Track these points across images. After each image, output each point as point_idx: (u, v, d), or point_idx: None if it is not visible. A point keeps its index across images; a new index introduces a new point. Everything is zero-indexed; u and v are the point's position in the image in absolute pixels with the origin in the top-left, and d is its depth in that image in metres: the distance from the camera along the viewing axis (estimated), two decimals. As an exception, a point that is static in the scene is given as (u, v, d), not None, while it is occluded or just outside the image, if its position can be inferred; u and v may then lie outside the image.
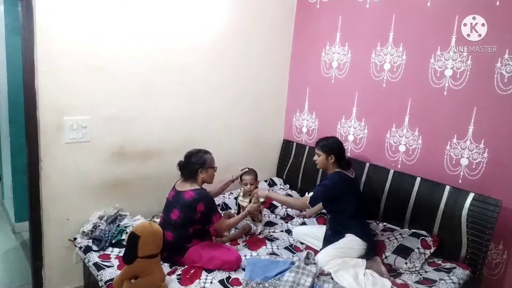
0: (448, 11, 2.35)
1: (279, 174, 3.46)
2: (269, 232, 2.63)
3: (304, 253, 2.20)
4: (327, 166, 2.39)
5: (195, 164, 2.23)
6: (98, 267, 2.06)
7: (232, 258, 2.09)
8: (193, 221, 2.14)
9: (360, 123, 2.90)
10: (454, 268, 2.16)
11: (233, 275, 2.05)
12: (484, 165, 2.28)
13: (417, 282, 2.06)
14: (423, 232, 2.34)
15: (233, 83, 3.01)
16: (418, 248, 2.23)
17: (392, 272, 2.18)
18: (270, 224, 2.76)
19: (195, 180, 2.23)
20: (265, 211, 2.88)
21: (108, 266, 2.06)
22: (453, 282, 2.03)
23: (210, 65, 2.83)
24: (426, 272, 2.15)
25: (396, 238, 2.34)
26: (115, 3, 2.31)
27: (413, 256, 2.20)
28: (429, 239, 2.29)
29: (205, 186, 2.29)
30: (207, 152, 2.32)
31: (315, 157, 2.43)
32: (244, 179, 2.66)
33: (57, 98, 2.21)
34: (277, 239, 2.53)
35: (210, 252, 2.11)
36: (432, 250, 2.25)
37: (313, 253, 2.22)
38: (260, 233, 2.59)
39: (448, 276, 2.09)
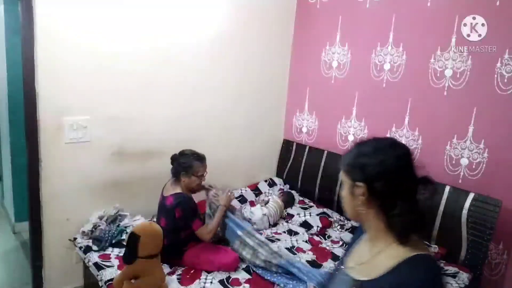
0: (448, 11, 2.34)
1: (279, 174, 3.45)
2: (271, 233, 2.63)
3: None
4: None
5: (180, 165, 2.17)
6: (98, 267, 2.06)
7: (229, 261, 2.08)
8: (180, 227, 2.11)
9: (360, 123, 2.90)
10: (458, 273, 2.15)
11: (233, 275, 2.05)
12: (484, 165, 2.28)
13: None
14: (434, 246, 2.32)
15: (233, 83, 3.01)
16: None
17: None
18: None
19: (179, 183, 2.18)
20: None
21: (108, 266, 2.06)
22: (460, 287, 2.04)
23: (210, 65, 2.83)
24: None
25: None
26: (115, 4, 2.31)
27: None
28: (435, 249, 2.28)
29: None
30: (199, 158, 2.19)
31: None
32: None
33: (57, 98, 2.22)
34: (278, 240, 2.52)
35: (207, 255, 2.10)
36: None
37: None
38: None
39: (455, 280, 2.08)
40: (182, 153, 2.21)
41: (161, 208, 2.18)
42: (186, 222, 2.08)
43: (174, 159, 2.21)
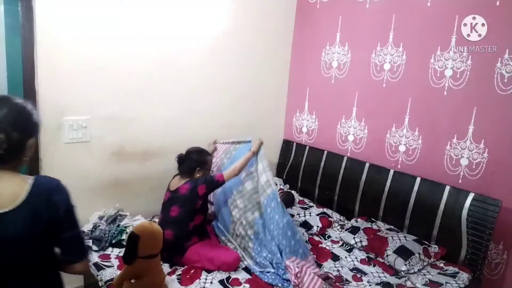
0: (448, 11, 2.35)
1: (279, 174, 3.46)
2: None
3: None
4: None
5: (195, 161, 2.27)
6: (98, 267, 2.05)
7: (230, 259, 2.09)
8: (193, 213, 2.16)
9: (360, 123, 2.90)
10: (458, 273, 2.14)
11: (233, 275, 2.05)
12: (484, 165, 2.28)
13: (424, 285, 2.05)
14: (434, 246, 2.33)
15: (233, 83, 3.01)
16: (419, 253, 2.23)
17: (393, 273, 2.19)
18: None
19: (192, 178, 2.25)
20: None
21: (108, 266, 2.06)
22: (460, 287, 2.04)
23: (210, 65, 2.83)
24: (432, 275, 2.14)
25: (400, 239, 2.34)
26: (115, 3, 2.31)
27: (412, 259, 2.19)
28: (435, 249, 2.29)
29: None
30: (209, 154, 2.41)
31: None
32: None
33: (57, 98, 2.22)
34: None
35: (209, 252, 2.11)
36: (431, 261, 2.24)
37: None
38: None
39: (455, 280, 2.08)
40: (193, 151, 2.33)
41: (172, 200, 2.21)
42: (213, 185, 2.23)
43: (184, 158, 2.30)
